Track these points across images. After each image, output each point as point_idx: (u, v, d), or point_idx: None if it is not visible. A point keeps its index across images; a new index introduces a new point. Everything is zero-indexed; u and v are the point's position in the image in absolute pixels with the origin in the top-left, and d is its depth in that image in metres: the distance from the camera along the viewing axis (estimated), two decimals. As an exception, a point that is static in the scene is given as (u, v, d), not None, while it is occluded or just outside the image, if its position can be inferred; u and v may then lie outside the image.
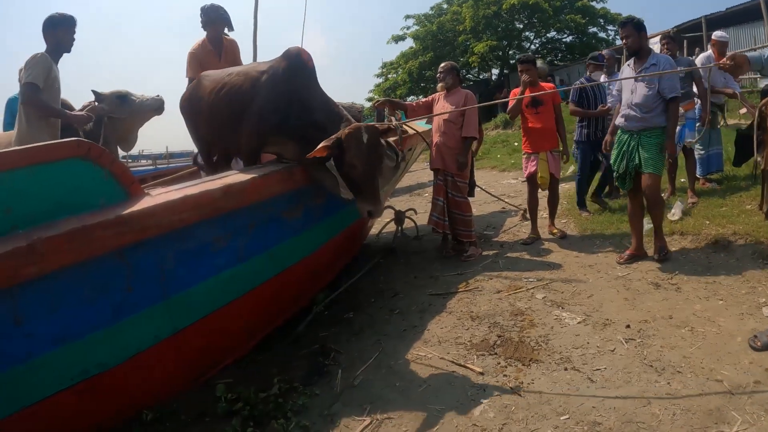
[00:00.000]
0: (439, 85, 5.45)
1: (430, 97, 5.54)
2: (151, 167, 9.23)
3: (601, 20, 29.96)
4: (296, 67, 3.79)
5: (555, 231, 5.73)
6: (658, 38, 19.08)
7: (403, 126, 5.77)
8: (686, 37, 18.34)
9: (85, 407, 2.50)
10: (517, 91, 5.74)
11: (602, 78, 6.56)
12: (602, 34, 30.60)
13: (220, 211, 2.98)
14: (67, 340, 2.34)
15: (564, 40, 31.46)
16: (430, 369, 3.23)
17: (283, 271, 3.62)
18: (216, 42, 5.22)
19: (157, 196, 2.69)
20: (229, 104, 3.99)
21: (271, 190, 3.36)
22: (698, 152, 6.39)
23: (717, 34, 6.56)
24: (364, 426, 2.76)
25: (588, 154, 6.43)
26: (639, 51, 4.59)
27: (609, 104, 5.97)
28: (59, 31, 4.12)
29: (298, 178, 3.59)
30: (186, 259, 2.83)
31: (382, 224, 6.34)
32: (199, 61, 5.12)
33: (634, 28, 4.58)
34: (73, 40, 4.25)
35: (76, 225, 2.26)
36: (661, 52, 6.19)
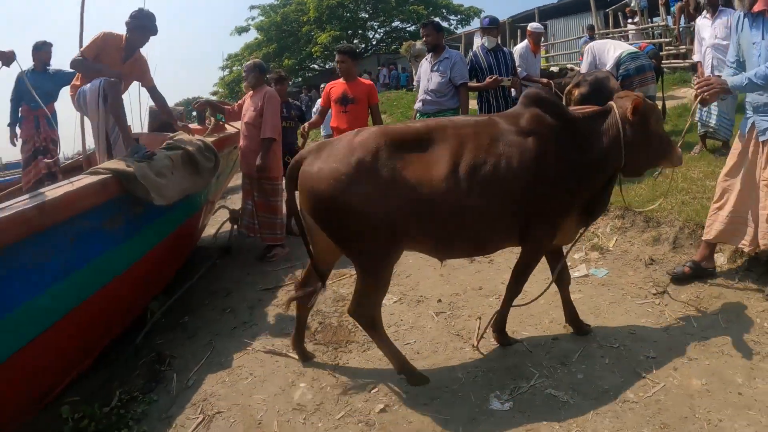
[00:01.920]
0: (244, 84, 5.48)
1: (241, 99, 5.54)
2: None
3: (444, 10, 31.46)
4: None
5: None
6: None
7: (227, 126, 5.79)
8: (519, 26, 19.80)
9: None
10: (328, 86, 5.47)
11: (485, 43, 5.80)
12: (445, 24, 32.18)
13: (36, 229, 2.88)
14: None
15: (408, 29, 32.61)
16: (257, 361, 3.39)
17: (110, 281, 3.58)
18: (132, 48, 4.72)
19: None
20: (497, 182, 2.69)
21: (86, 202, 3.27)
22: None
23: (532, 26, 7.23)
24: (197, 423, 2.89)
25: None
26: (437, 47, 5.37)
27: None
28: None
29: (112, 189, 3.52)
30: (8, 281, 2.74)
31: (217, 224, 6.34)
32: (103, 48, 4.55)
33: (434, 28, 5.42)
34: None
35: None
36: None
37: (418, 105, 5.53)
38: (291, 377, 3.14)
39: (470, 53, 6.10)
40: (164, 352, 3.70)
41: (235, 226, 5.89)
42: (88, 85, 4.22)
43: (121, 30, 4.65)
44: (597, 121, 2.94)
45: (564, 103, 5.77)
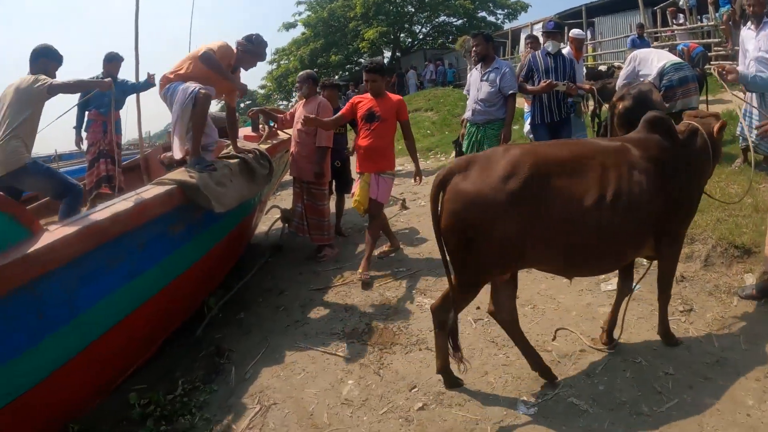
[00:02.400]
0: (297, 94, 5.74)
1: (293, 108, 5.83)
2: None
3: (490, 4, 31.34)
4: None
5: (361, 273, 4.86)
6: (540, 25, 20.41)
7: (278, 132, 6.13)
8: (567, 23, 19.67)
9: (14, 427, 2.80)
10: (356, 98, 5.25)
11: (548, 47, 5.80)
12: (491, 18, 32.03)
13: (111, 236, 3.30)
14: None
15: (454, 23, 32.60)
16: (308, 359, 3.72)
17: (173, 280, 3.98)
18: (237, 66, 4.81)
19: (56, 231, 3.00)
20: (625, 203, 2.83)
21: (153, 212, 3.66)
22: None
23: (574, 32, 7.34)
24: (254, 413, 3.24)
25: (544, 139, 5.61)
26: (486, 57, 5.56)
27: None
28: None
29: (177, 198, 3.89)
30: (87, 281, 3.15)
31: (270, 222, 6.73)
32: (222, 56, 4.56)
33: (484, 39, 5.63)
34: None
35: None
36: (525, 49, 6.93)
37: (467, 114, 5.76)
38: (340, 374, 3.47)
39: (528, 56, 6.10)
40: (223, 346, 4.07)
41: (287, 225, 6.26)
42: (182, 84, 4.35)
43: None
44: (693, 140, 3.22)
45: (609, 115, 5.90)
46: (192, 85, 4.27)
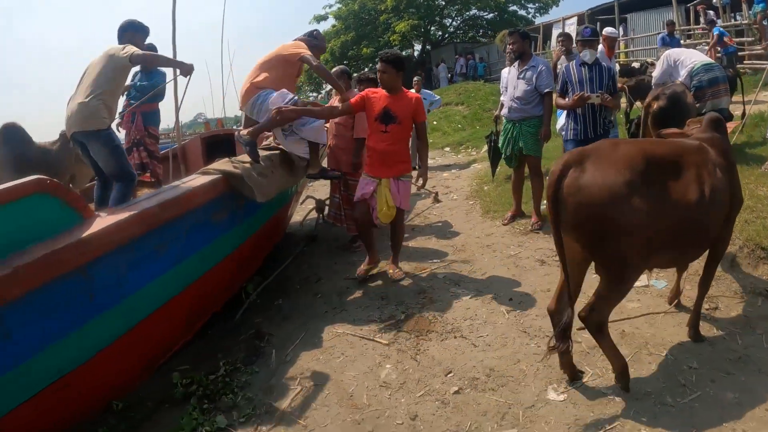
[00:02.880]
0: (334, 91, 5.95)
1: (330, 102, 6.03)
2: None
3: (522, -1, 31.19)
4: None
5: (393, 272, 4.82)
6: (575, 18, 20.23)
7: None
8: (599, 19, 19.58)
9: (63, 400, 3.00)
10: (369, 92, 4.74)
11: (585, 56, 5.28)
12: (522, 12, 31.79)
13: (159, 223, 3.47)
14: (47, 345, 2.81)
15: (485, 17, 32.45)
16: (347, 343, 3.89)
17: (215, 265, 4.18)
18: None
19: (107, 217, 3.16)
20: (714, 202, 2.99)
21: (199, 200, 3.85)
22: None
23: (607, 30, 7.40)
24: (296, 393, 3.41)
25: None
26: (523, 55, 5.60)
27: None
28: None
29: (220, 188, 4.09)
30: (135, 266, 3.33)
31: (305, 213, 6.95)
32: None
33: (520, 36, 5.64)
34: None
35: (45, 250, 2.70)
36: (557, 46, 7.00)
37: (504, 112, 5.84)
38: (378, 359, 3.63)
39: (562, 66, 5.85)
40: (262, 330, 4.26)
41: (321, 215, 6.47)
42: (275, 92, 4.65)
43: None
44: None
45: (643, 116, 5.95)
46: (290, 94, 4.67)
